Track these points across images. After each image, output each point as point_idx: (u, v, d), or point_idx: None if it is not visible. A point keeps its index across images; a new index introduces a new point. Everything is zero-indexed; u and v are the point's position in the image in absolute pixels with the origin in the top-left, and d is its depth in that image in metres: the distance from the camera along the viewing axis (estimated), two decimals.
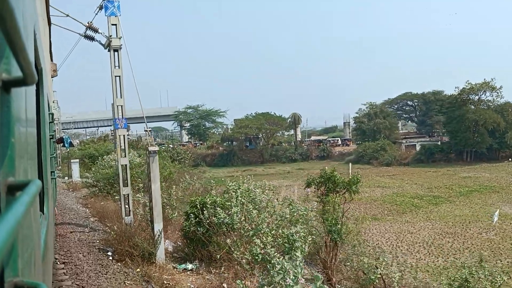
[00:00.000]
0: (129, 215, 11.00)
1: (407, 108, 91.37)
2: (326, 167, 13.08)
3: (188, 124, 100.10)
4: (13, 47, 0.81)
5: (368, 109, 74.61)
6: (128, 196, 11.09)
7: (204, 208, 8.79)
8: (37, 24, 2.33)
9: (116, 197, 14.10)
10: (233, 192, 8.85)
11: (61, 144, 32.21)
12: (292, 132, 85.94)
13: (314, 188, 12.44)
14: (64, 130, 62.37)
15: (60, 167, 38.00)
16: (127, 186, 11.09)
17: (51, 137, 5.86)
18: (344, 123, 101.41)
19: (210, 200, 9.07)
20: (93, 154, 35.25)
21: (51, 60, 10.24)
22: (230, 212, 8.41)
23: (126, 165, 11.08)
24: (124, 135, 11.07)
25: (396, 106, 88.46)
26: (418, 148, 64.76)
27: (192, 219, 8.85)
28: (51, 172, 5.27)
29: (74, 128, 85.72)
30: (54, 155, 9.06)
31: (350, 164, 48.17)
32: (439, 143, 64.19)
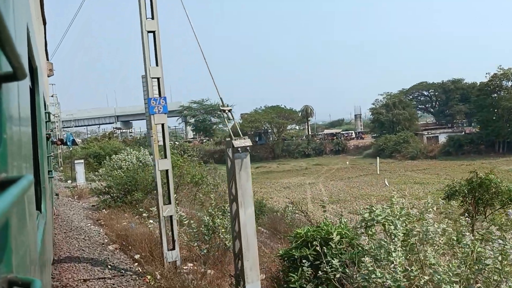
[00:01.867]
0: (174, 249, 7.05)
1: (422, 99, 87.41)
2: (477, 171, 8.98)
3: (193, 120, 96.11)
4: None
5: (385, 99, 70.60)
6: (171, 219, 7.13)
7: (325, 247, 4.84)
8: (31, 23, 2.32)
9: (143, 213, 10.17)
10: (386, 222, 4.79)
11: (61, 144, 28.41)
12: (296, 126, 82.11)
13: (458, 199, 8.36)
14: (64, 129, 58.25)
15: (61, 168, 34.00)
16: (170, 203, 7.13)
17: (48, 136, 6.16)
18: (355, 116, 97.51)
19: (336, 232, 5.00)
20: (99, 153, 31.32)
21: (47, 59, 10.21)
22: (383, 263, 4.47)
23: (167, 170, 7.11)
24: (163, 124, 7.10)
25: (411, 97, 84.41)
26: (441, 139, 60.84)
27: (306, 269, 4.82)
28: (49, 171, 5.16)
29: (74, 126, 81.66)
30: (51, 155, 9.30)
31: (378, 158, 44.25)
32: (463, 133, 60.20)
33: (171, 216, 7.10)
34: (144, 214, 10.17)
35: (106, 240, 9.84)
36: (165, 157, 7.07)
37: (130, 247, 8.75)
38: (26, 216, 1.35)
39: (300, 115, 75.59)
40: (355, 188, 35.72)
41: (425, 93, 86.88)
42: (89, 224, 11.61)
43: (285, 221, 16.60)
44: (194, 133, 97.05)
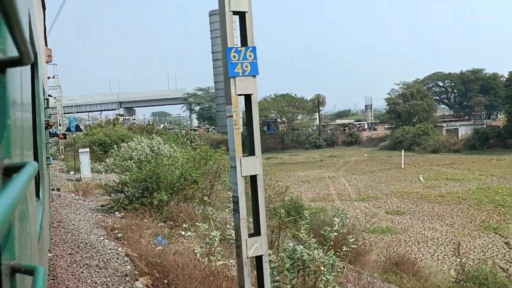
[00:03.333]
0: None
1: (436, 89, 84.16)
2: None
3: (198, 108, 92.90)
4: (9, 23, 0.78)
5: (402, 89, 67.32)
6: (259, 260, 4.08)
7: None
8: (32, 8, 2.30)
9: (177, 225, 7.23)
10: None
11: (64, 138, 25.12)
12: (307, 116, 78.73)
13: None
14: (66, 114, 55.07)
15: (62, 157, 30.97)
16: (259, 233, 4.08)
17: (46, 122, 6.38)
18: (365, 106, 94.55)
19: None
20: (104, 141, 28.29)
21: (46, 45, 10.25)
22: None
23: (254, 177, 4.04)
24: (251, 96, 4.01)
25: (425, 88, 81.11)
26: (461, 132, 57.79)
27: None
28: (47, 158, 5.30)
29: (76, 112, 78.48)
30: (49, 141, 9.65)
31: (403, 151, 41.19)
32: (485, 126, 57.10)
33: (258, 257, 4.08)
34: (182, 232, 7.21)
35: (129, 267, 6.86)
36: (252, 153, 4.02)
37: (170, 286, 5.76)
38: (28, 202, 1.32)
39: (311, 104, 72.32)
40: (382, 184, 32.77)
41: (440, 83, 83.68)
42: (102, 238, 8.62)
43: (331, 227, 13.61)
44: (199, 121, 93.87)
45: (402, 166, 39.99)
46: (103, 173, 20.92)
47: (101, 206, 12.87)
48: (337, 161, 50.59)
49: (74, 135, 20.96)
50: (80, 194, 15.25)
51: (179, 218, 10.21)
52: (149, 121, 68.19)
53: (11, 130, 1.05)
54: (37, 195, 2.83)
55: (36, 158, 2.81)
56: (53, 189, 15.23)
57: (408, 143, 55.21)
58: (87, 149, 18.89)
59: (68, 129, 20.39)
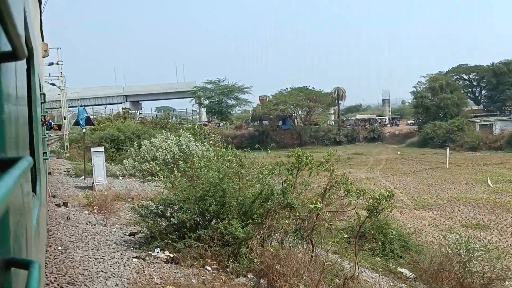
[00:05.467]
0: None
1: (460, 83, 79.42)
2: None
3: (208, 101, 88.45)
4: (1, 17, 0.78)
5: (428, 82, 62.73)
6: None
7: None
8: (27, 3, 2.24)
9: None
10: None
11: (58, 129, 20.89)
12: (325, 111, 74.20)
13: None
14: (70, 108, 50.72)
15: (67, 155, 26.74)
16: None
17: (42, 117, 6.41)
18: (383, 101, 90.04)
19: None
20: (117, 137, 24.05)
21: (42, 40, 10.14)
22: None
23: None
24: None
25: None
26: (496, 128, 53.42)
27: None
28: (44, 153, 5.13)
29: (80, 106, 74.22)
30: (46, 136, 9.84)
31: (448, 149, 36.76)
32: None
33: None
34: None
35: None
36: None
37: None
38: (23, 197, 1.31)
39: (330, 97, 67.85)
40: (434, 187, 28.45)
41: (465, 76, 79.01)
42: None
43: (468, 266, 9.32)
44: (208, 115, 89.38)
45: (447, 166, 35.62)
46: (120, 178, 16.71)
47: (131, 234, 8.67)
48: (366, 159, 46.29)
49: (83, 130, 16.68)
50: (95, 211, 11.03)
51: (275, 272, 5.96)
52: (162, 115, 63.65)
53: (6, 124, 1.04)
54: (34, 190, 2.62)
55: (32, 153, 2.76)
56: (57, 205, 11.06)
57: (441, 139, 50.80)
58: (102, 148, 14.61)
59: (77, 123, 16.16)
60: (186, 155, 16.91)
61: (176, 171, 16.02)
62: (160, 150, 16.47)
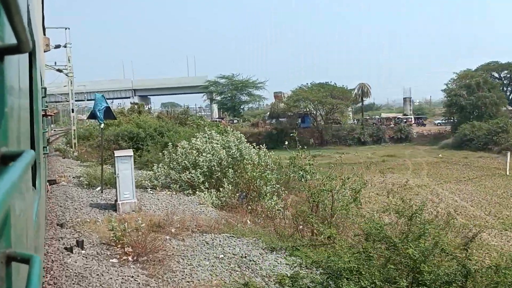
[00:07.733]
0: None
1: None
2: None
3: (220, 97, 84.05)
4: (8, 10, 0.78)
5: (459, 80, 58.07)
6: None
7: None
8: None
9: None
10: None
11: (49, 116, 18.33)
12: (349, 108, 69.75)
13: None
14: (77, 102, 46.44)
15: (75, 154, 22.43)
16: None
17: (43, 111, 6.07)
18: (404, 99, 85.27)
19: None
20: (136, 134, 19.75)
21: (44, 34, 9.99)
22: None
23: None
24: None
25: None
26: None
27: None
28: (43, 147, 5.14)
29: (87, 100, 69.95)
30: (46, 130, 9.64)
31: (509, 154, 32.23)
32: None
33: None
34: None
35: None
36: None
37: None
38: (24, 191, 1.30)
39: (354, 94, 63.36)
40: (509, 199, 23.99)
41: (496, 75, 74.20)
42: None
43: None
44: (221, 111, 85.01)
45: (507, 173, 31.13)
46: (149, 189, 12.40)
47: None
48: (404, 162, 41.74)
49: (102, 125, 12.30)
50: (130, 257, 6.70)
51: None
52: (183, 110, 59.02)
53: (9, 118, 1.04)
54: (34, 184, 2.57)
55: (33, 147, 2.69)
56: (67, 248, 6.75)
57: (482, 141, 46.22)
58: (130, 152, 10.23)
59: (92, 115, 11.84)
60: (235, 160, 12.60)
61: (226, 183, 11.80)
62: (204, 154, 12.12)
